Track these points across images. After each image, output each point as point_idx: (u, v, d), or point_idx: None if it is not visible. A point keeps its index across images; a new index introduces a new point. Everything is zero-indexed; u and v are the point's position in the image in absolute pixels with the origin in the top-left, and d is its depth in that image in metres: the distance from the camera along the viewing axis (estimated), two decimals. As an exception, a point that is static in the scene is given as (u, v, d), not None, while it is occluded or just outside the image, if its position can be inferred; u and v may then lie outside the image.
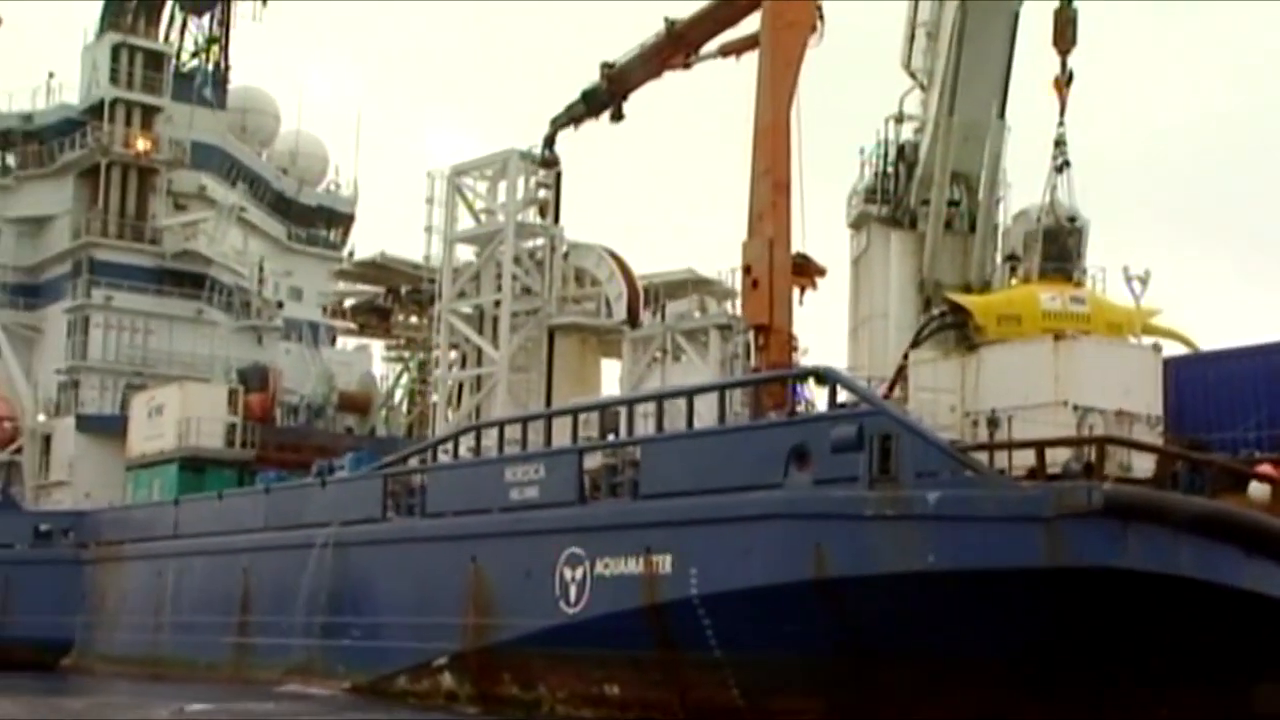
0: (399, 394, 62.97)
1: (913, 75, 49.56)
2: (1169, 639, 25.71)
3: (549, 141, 44.77)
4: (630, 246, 42.89)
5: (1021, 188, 50.99)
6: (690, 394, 32.56)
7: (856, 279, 51.76)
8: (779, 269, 31.75)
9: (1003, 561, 26.16)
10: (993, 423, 28.72)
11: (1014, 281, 44.86)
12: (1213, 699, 26.22)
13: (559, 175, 45.27)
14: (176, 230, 66.29)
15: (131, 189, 66.20)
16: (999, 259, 47.10)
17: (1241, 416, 28.48)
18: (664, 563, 31.85)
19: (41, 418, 63.30)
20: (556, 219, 45.11)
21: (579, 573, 33.79)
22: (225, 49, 73.41)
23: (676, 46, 39.15)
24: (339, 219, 77.25)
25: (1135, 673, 26.56)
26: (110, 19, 67.77)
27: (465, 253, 46.24)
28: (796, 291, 36.27)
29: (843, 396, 29.59)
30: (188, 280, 66.18)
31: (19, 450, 64.09)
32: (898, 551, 27.45)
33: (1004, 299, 37.47)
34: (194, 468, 54.20)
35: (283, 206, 74.63)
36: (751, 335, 33.36)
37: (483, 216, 45.85)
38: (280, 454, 54.61)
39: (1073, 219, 41.96)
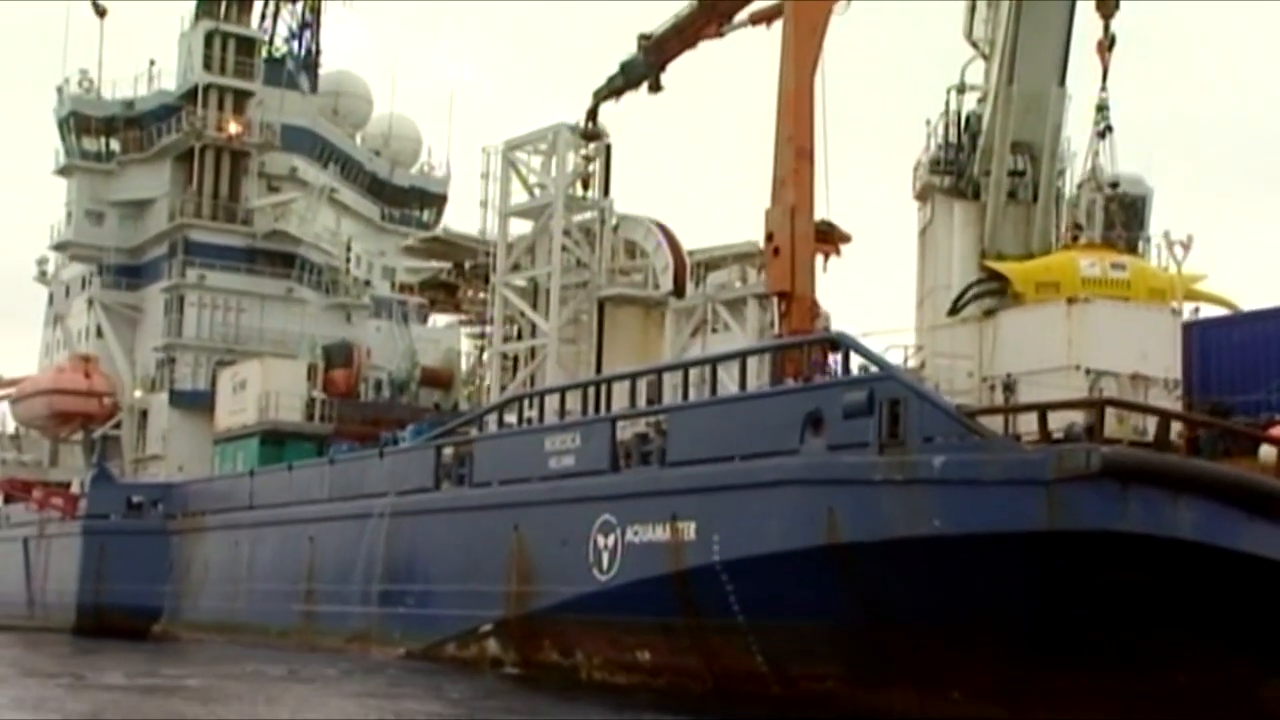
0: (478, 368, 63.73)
1: (974, 45, 49.19)
2: (1173, 604, 25.37)
3: (591, 114, 45.13)
4: (687, 219, 42.98)
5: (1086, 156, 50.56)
6: (714, 361, 32.76)
7: (923, 250, 51.61)
8: (801, 236, 31.76)
9: (1006, 525, 26.00)
10: (1008, 388, 28.60)
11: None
12: (1219, 665, 25.81)
13: (609, 148, 45.74)
14: (267, 211, 67.81)
15: (224, 171, 67.97)
16: (1063, 229, 46.88)
17: (1265, 379, 27.99)
18: (689, 529, 32.09)
19: (138, 393, 65.39)
20: (606, 192, 45.52)
21: (611, 540, 34.16)
22: (316, 34, 74.90)
23: (709, 16, 39.27)
24: (432, 199, 78.54)
25: (1143, 638, 26.23)
26: (204, 6, 69.40)
27: (523, 227, 46.77)
28: (820, 259, 36.24)
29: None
30: (279, 259, 67.82)
31: (119, 425, 66.12)
32: (905, 516, 27.41)
33: (1042, 265, 37.05)
34: (274, 441, 55.55)
35: (376, 188, 76.04)
36: (775, 302, 33.42)
37: (536, 191, 46.34)
38: (359, 427, 55.68)
39: (1115, 184, 41.42)
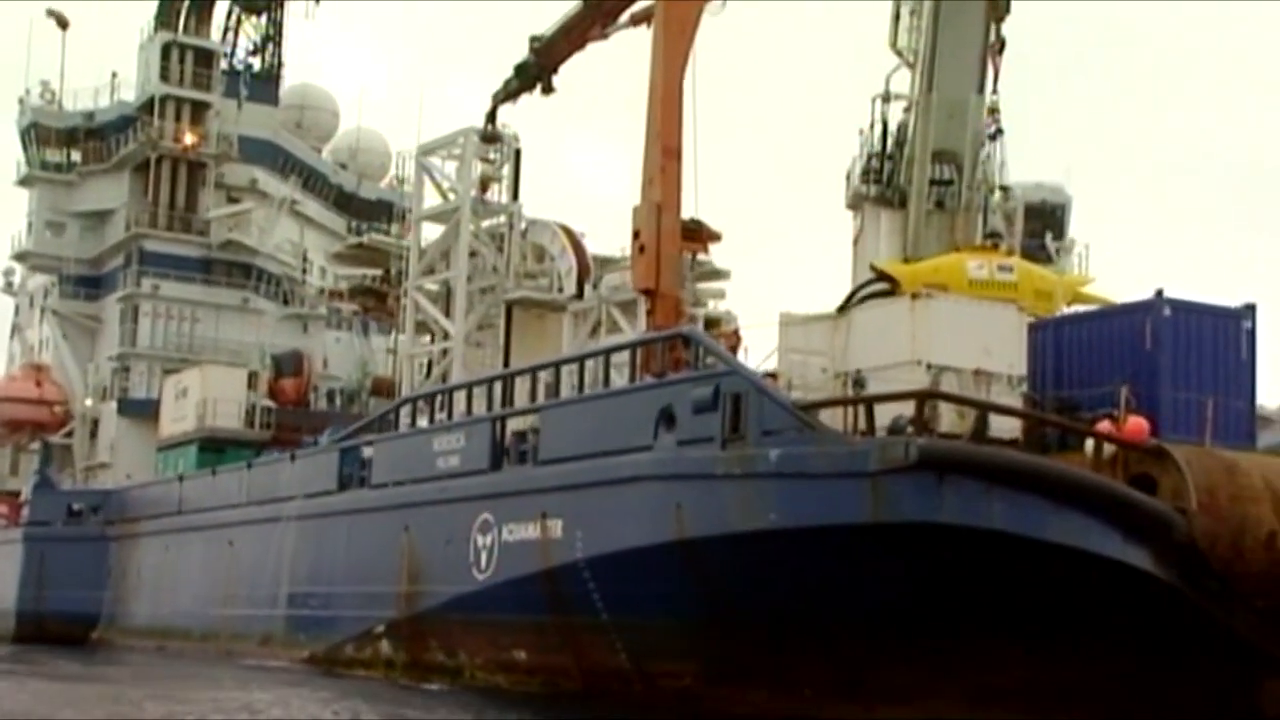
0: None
1: (899, 54, 49.34)
2: (1001, 595, 25.24)
3: (490, 117, 45.20)
4: (597, 221, 43.01)
5: (1015, 164, 50.57)
6: (581, 360, 32.77)
7: (856, 259, 51.70)
8: (666, 234, 31.75)
9: (834, 518, 25.92)
10: (858, 383, 28.49)
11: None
12: (1042, 657, 25.66)
13: (518, 153, 45.88)
14: (223, 221, 68.02)
15: (181, 182, 68.20)
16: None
17: (1106, 375, 27.82)
18: (557, 527, 32.09)
19: (89, 402, 65.63)
20: (516, 196, 45.64)
21: (489, 539, 34.19)
22: (279, 47, 75.18)
23: (594, 17, 39.39)
24: (402, 213, 78.62)
25: (982, 631, 26.06)
26: (163, 18, 69.80)
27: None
28: (687, 256, 36.21)
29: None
30: (235, 270, 68.10)
31: (70, 433, 66.43)
32: (744, 510, 27.35)
33: (930, 267, 36.90)
34: (214, 448, 55.67)
35: (342, 200, 76.26)
36: (641, 300, 33.44)
37: (450, 195, 46.46)
38: (297, 435, 55.80)
39: (1005, 188, 41.37)
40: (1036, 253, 49.11)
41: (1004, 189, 41.25)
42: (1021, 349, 28.25)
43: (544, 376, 34.87)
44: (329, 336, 69.21)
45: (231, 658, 44.75)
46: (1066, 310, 35.65)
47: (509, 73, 43.52)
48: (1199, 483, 24.87)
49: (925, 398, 25.44)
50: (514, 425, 35.08)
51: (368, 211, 77.32)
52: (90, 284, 70.64)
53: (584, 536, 31.20)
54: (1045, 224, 48.69)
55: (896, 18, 49.47)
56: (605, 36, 39.31)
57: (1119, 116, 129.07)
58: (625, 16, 37.60)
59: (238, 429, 56.04)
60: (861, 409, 27.06)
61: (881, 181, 50.68)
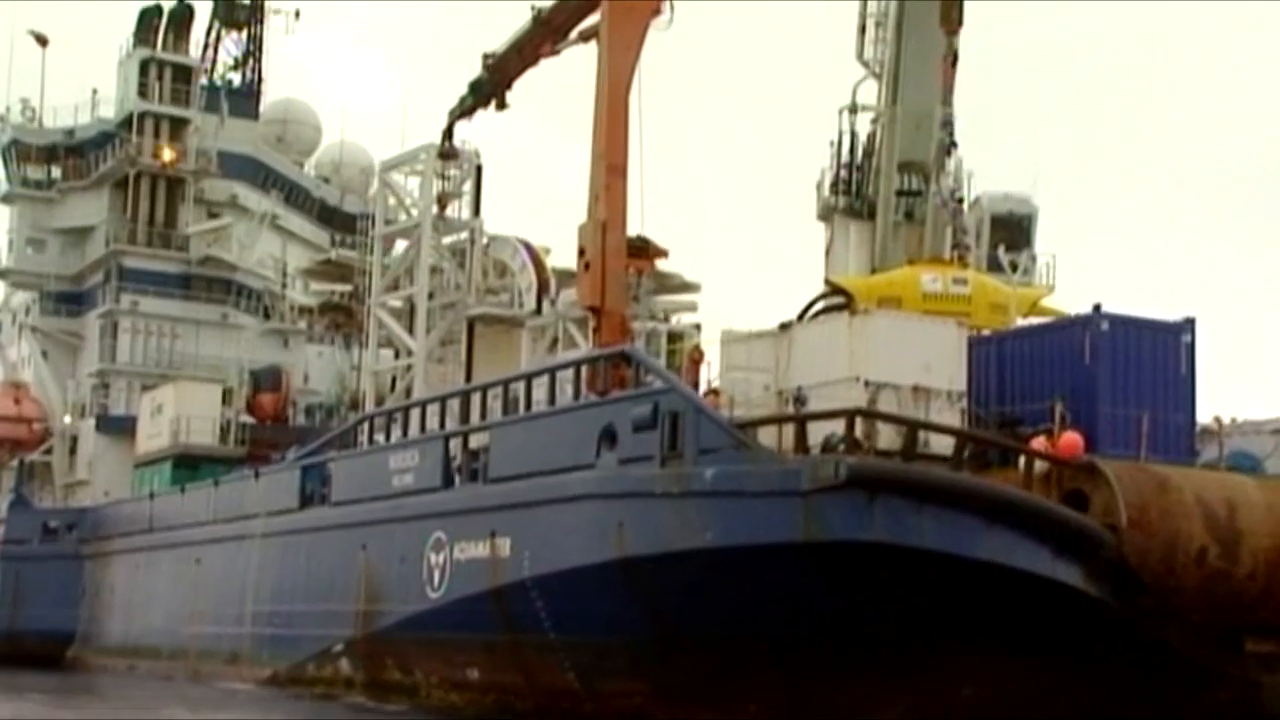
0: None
1: (866, 65, 49.43)
2: (928, 613, 25.18)
3: (447, 134, 45.21)
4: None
5: (982, 175, 50.74)
6: (529, 377, 32.76)
7: (828, 270, 51.75)
8: (612, 251, 31.69)
9: (768, 536, 25.87)
10: (800, 400, 28.38)
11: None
12: (979, 674, 25.61)
13: (479, 169, 45.87)
14: (203, 237, 68.02)
15: (160, 198, 68.18)
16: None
17: (1047, 390, 27.76)
18: (505, 546, 32.04)
19: (67, 419, 65.59)
20: (477, 211, 45.64)
21: (441, 558, 34.14)
22: (259, 62, 75.24)
23: (544, 34, 39.38)
24: (385, 226, 78.57)
25: (924, 648, 26.01)
26: (142, 35, 69.76)
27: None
28: (634, 274, 36.19)
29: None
30: (215, 285, 67.99)
31: (49, 451, 66.43)
32: (682, 529, 27.32)
33: (885, 281, 37.01)
34: (188, 464, 55.55)
35: (325, 214, 76.10)
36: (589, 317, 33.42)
37: (413, 211, 46.47)
38: (273, 451, 55.73)
39: (960, 199, 41.36)
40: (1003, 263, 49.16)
41: (959, 200, 41.12)
42: (962, 365, 28.18)
43: (497, 393, 34.73)
44: (310, 351, 69.01)
45: (200, 677, 44.82)
46: (1021, 323, 35.75)
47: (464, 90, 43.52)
48: (1129, 499, 24.81)
49: (855, 415, 25.37)
50: (472, 442, 35.02)
51: (351, 225, 77.15)
52: (72, 300, 70.57)
53: (531, 555, 31.16)
54: (1012, 235, 48.76)
55: (863, 30, 49.76)
56: (556, 53, 39.28)
57: (1090, 125, 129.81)
58: (574, 33, 37.60)
59: (212, 445, 55.96)
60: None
61: (850, 193, 50.94)
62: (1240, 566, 25.31)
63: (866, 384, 27.47)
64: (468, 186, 45.83)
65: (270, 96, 76.60)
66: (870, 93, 49.35)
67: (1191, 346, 28.30)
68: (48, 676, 48.11)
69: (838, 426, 26.00)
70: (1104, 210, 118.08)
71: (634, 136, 32.07)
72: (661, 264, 47.77)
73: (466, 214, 46.03)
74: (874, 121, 49.40)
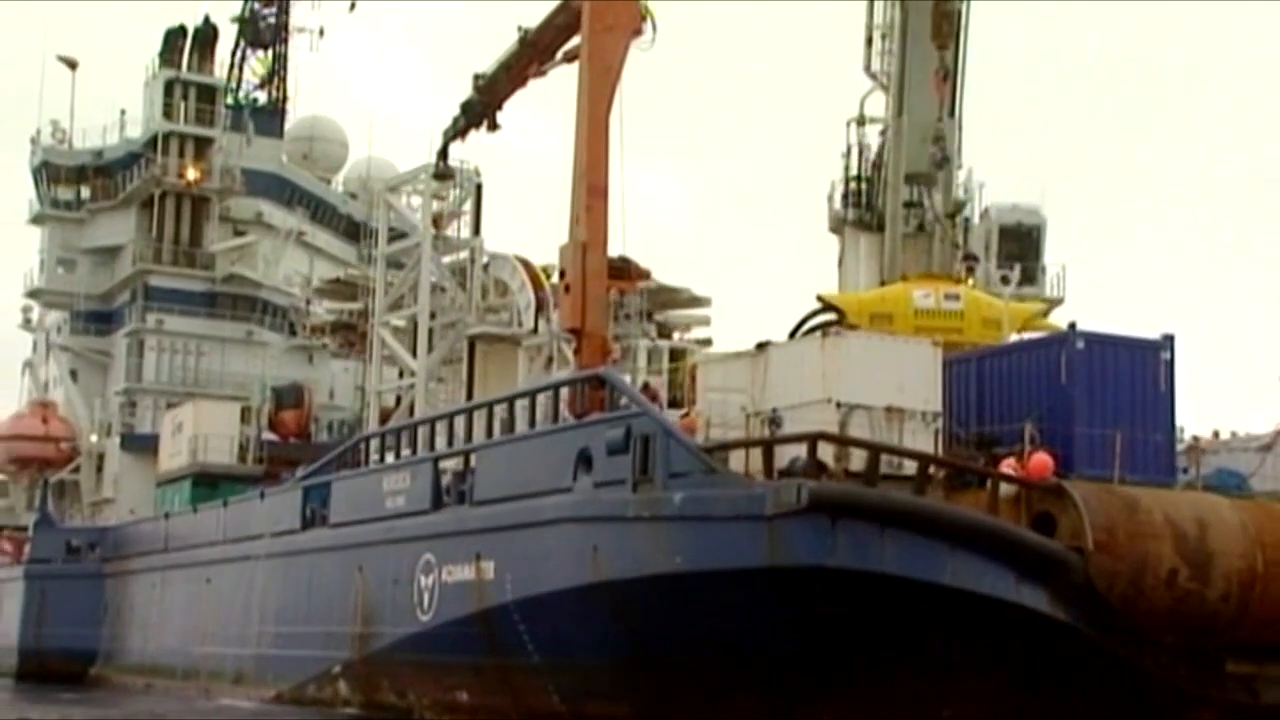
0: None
1: (873, 77, 49.09)
2: (895, 638, 24.92)
3: (442, 154, 45.21)
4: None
5: (994, 186, 50.32)
6: (511, 400, 32.70)
7: (841, 283, 51.44)
8: (592, 273, 31.55)
9: (735, 561, 25.71)
10: (775, 422, 28.10)
11: (971, 281, 44.02)
12: (947, 699, 25.30)
13: (479, 188, 45.86)
14: (227, 255, 68.46)
15: (185, 217, 68.73)
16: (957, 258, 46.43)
17: (1024, 410, 27.38)
18: (489, 569, 31.99)
19: (94, 438, 66.13)
20: (477, 230, 45.65)
21: (430, 580, 34.13)
22: (284, 81, 75.66)
23: (531, 55, 39.34)
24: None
25: (899, 672, 25.74)
26: (167, 56, 70.35)
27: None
28: (618, 294, 36.03)
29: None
30: (240, 302, 68.43)
31: (78, 469, 67.02)
32: (654, 553, 27.19)
33: (877, 297, 36.72)
34: (207, 483, 55.80)
35: (353, 230, 76.37)
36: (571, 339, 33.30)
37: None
38: (292, 468, 55.91)
39: (952, 215, 40.96)
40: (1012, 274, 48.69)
41: (952, 214, 40.77)
42: (937, 385, 27.79)
43: (483, 415, 34.68)
44: (336, 367, 69.26)
45: (209, 696, 44.99)
46: (1015, 339, 35.35)
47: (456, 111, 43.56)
48: (1096, 521, 24.43)
49: (817, 440, 25.11)
50: (458, 464, 34.98)
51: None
52: (101, 319, 71.25)
53: (513, 578, 31.10)
54: (1021, 245, 48.28)
55: (869, 41, 49.43)
56: (544, 74, 39.27)
57: (1101, 134, 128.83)
58: (560, 54, 37.56)
59: (230, 464, 56.20)
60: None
61: (860, 205, 50.66)
62: (1212, 588, 24.86)
63: (838, 405, 27.12)
64: (468, 205, 45.84)
65: (299, 113, 77.25)
66: (879, 105, 49.15)
67: (1171, 364, 27.82)
68: (68, 695, 48.43)
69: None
70: (1116, 219, 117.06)
71: (615, 158, 31.89)
72: (668, 279, 47.81)
73: (467, 233, 46.00)
74: (882, 133, 49.11)
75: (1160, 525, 24.67)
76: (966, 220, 49.51)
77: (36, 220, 72.73)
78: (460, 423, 35.40)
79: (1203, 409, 31.60)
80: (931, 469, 26.14)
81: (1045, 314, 37.97)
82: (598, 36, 32.47)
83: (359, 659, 37.23)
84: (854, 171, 50.26)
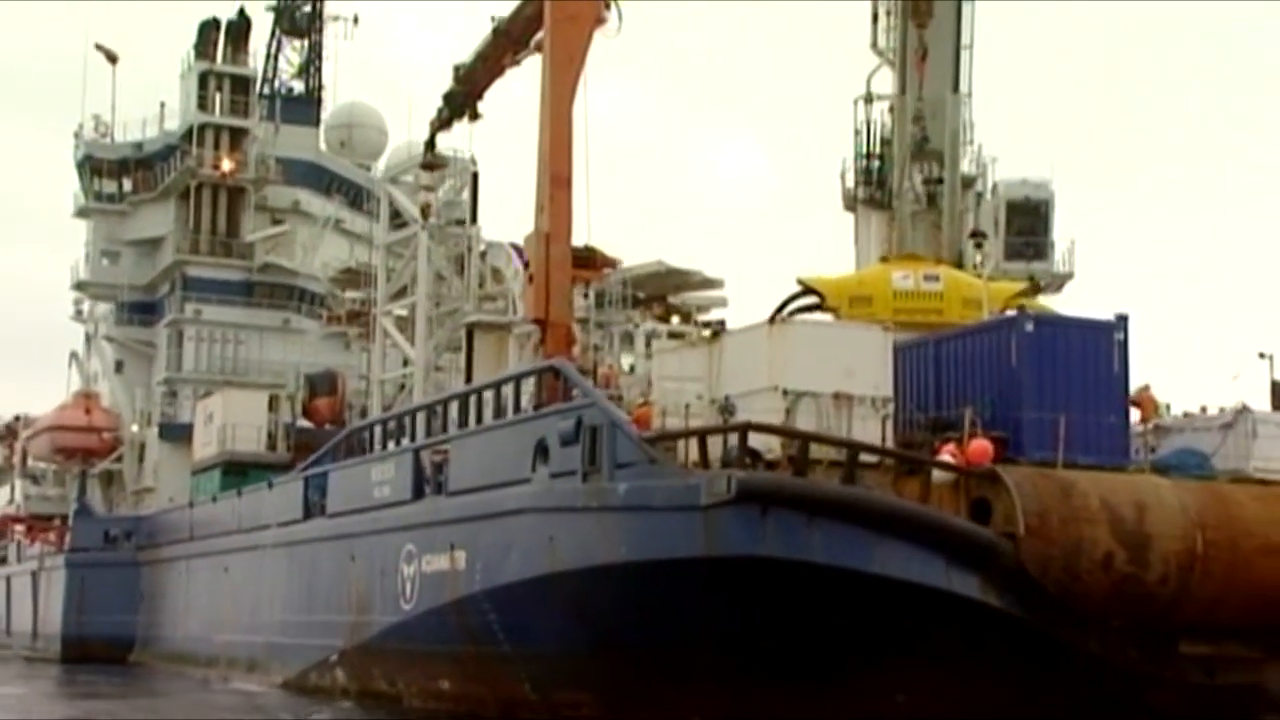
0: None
1: (880, 54, 48.60)
2: (830, 627, 24.83)
3: (429, 145, 45.39)
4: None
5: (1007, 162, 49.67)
6: (479, 392, 32.90)
7: (857, 261, 51.08)
8: (556, 263, 31.59)
9: (675, 551, 25.74)
10: (728, 410, 28.02)
11: (979, 258, 43.56)
12: (906, 684, 25.20)
13: (475, 176, 45.98)
14: (264, 244, 69.23)
15: (222, 207, 69.61)
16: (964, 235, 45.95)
17: (975, 394, 27.11)
18: (461, 559, 32.26)
19: (135, 428, 67.24)
20: (474, 219, 45.81)
21: (412, 570, 34.48)
22: (319, 70, 76.30)
23: (505, 45, 39.35)
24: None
25: (847, 660, 25.66)
26: (202, 48, 71.14)
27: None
28: (581, 285, 36.00)
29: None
30: (278, 291, 69.20)
31: (120, 459, 68.22)
32: (602, 543, 27.32)
33: (855, 279, 36.41)
34: (237, 471, 56.44)
35: (393, 216, 76.81)
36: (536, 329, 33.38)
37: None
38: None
39: (931, 197, 40.51)
40: (1023, 250, 48.20)
41: (930, 198, 40.34)
42: (887, 370, 27.57)
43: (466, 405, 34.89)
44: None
45: (227, 682, 45.74)
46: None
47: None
48: (1029, 506, 24.19)
49: (746, 429, 25.05)
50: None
51: (421, 225, 78.05)
52: (145, 310, 72.31)
53: (482, 568, 31.36)
54: (1029, 221, 47.67)
55: (875, 18, 48.95)
56: (518, 63, 39.37)
57: (1111, 110, 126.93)
58: (533, 43, 37.56)
59: (259, 452, 56.86)
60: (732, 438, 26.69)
61: (871, 183, 50.21)
62: (1150, 571, 24.53)
63: (785, 393, 27.01)
64: (465, 194, 46.04)
65: (338, 100, 77.84)
66: (888, 82, 48.63)
67: (1125, 345, 27.40)
68: (103, 679, 49.42)
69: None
70: (1125, 195, 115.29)
71: (579, 148, 31.86)
72: (680, 262, 47.65)
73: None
74: (890, 110, 48.64)
75: (1096, 509, 24.37)
76: (979, 195, 49.05)
77: (81, 213, 73.96)
78: (431, 414, 35.74)
79: (1202, 388, 30.88)
80: (875, 457, 26.06)
81: (1034, 293, 37.34)
82: (559, 27, 32.46)
83: (353, 647, 37.69)
84: (864, 149, 49.77)
